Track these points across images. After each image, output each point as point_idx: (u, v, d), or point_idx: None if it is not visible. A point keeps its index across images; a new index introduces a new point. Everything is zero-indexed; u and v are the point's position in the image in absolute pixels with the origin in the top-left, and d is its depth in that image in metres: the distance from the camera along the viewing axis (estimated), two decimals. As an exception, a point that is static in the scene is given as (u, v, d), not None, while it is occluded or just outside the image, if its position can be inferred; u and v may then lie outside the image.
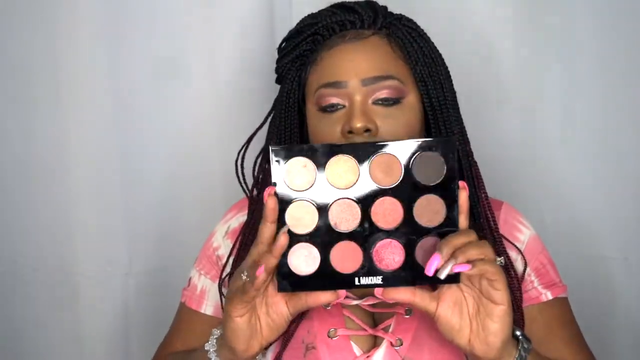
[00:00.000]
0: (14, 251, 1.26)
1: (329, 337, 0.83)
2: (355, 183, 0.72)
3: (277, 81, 0.96)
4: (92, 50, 1.19)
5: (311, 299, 0.73)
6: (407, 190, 0.72)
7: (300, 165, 0.72)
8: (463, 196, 0.71)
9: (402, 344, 0.81)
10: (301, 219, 0.72)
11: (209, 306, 0.95)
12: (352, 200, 0.72)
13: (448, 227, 0.71)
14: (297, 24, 0.91)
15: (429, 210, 0.72)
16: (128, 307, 1.27)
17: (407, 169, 0.72)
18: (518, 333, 0.73)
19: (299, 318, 0.85)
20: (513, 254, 0.90)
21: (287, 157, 0.72)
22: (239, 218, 0.98)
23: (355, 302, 0.84)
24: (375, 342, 0.83)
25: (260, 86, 1.18)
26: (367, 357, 0.81)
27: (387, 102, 0.84)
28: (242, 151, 0.97)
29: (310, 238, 0.72)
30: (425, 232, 0.72)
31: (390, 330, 0.83)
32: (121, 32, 1.20)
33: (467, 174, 0.89)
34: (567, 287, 0.92)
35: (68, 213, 1.24)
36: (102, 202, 1.24)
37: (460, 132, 0.89)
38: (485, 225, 0.87)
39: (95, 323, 1.27)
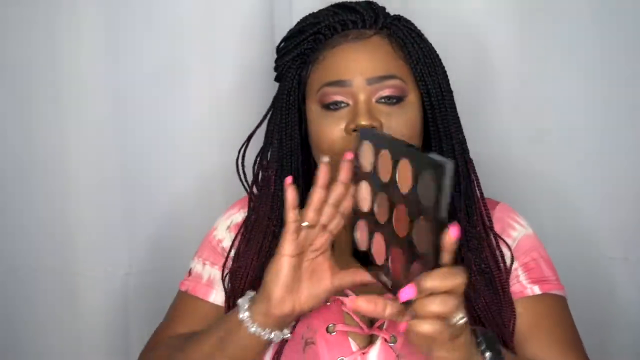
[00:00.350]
0: (13, 251, 1.26)
1: (327, 332, 0.83)
2: (389, 180, 0.71)
3: (277, 79, 0.96)
4: (92, 50, 1.19)
5: (358, 277, 0.76)
6: (413, 204, 0.66)
7: (370, 149, 0.75)
8: (447, 239, 0.62)
9: (396, 341, 0.82)
10: (364, 198, 0.76)
11: (218, 295, 0.95)
12: (387, 196, 0.72)
13: (431, 260, 0.63)
14: (298, 23, 0.92)
15: (423, 233, 0.65)
16: (128, 307, 1.27)
17: (415, 179, 0.65)
18: (487, 355, 0.71)
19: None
20: (504, 250, 0.90)
21: (363, 138, 0.75)
22: (242, 214, 0.99)
23: None
24: (371, 339, 0.84)
25: (260, 86, 1.18)
26: (363, 353, 0.82)
27: (390, 101, 0.85)
28: (242, 150, 0.97)
29: (367, 218, 0.75)
30: (416, 255, 0.66)
31: (385, 327, 0.83)
32: (121, 33, 1.20)
33: (462, 171, 0.90)
34: (565, 288, 0.91)
35: (68, 213, 1.24)
36: (102, 202, 1.24)
37: (457, 130, 0.90)
38: (479, 223, 0.88)
39: (95, 323, 1.27)
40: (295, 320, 0.82)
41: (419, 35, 0.90)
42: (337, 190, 0.76)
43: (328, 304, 0.85)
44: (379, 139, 0.74)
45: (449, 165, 0.60)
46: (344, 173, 0.76)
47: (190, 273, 0.98)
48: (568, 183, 1.20)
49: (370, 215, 0.75)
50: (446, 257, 0.63)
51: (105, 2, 1.18)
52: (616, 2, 1.14)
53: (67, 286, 1.25)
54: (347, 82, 0.85)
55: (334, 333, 0.83)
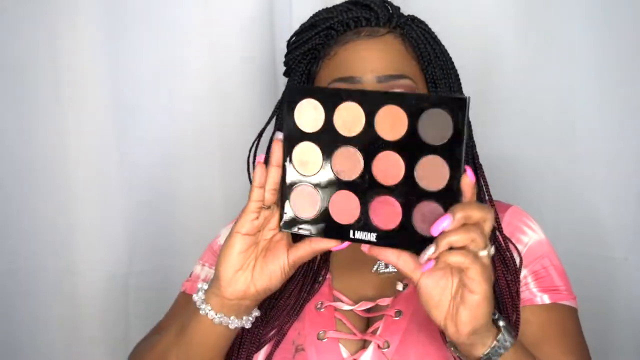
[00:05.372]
0: (14, 251, 1.26)
1: (318, 339, 0.82)
2: (360, 132, 0.69)
3: (285, 74, 0.95)
4: (93, 50, 1.20)
5: (316, 245, 0.73)
6: (411, 147, 0.67)
7: (311, 106, 0.71)
8: (466, 181, 0.65)
9: (389, 347, 0.80)
10: (307, 161, 0.72)
11: None
12: (356, 149, 0.70)
13: (449, 194, 0.65)
14: (311, 18, 0.90)
15: (432, 172, 0.66)
16: (128, 307, 1.27)
17: (413, 124, 0.67)
18: (502, 324, 0.70)
19: (292, 319, 0.85)
20: (515, 255, 0.88)
21: (300, 97, 0.71)
22: None
23: (348, 308, 0.84)
24: (364, 345, 0.82)
25: (260, 85, 1.18)
26: (354, 359, 0.81)
27: None
28: (254, 148, 0.95)
29: (313, 182, 0.72)
30: (424, 195, 0.67)
31: (378, 332, 0.82)
32: (121, 32, 1.20)
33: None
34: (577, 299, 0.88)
35: (68, 213, 1.24)
36: (102, 202, 1.24)
37: (469, 135, 0.88)
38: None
39: (95, 323, 1.27)
40: (256, 305, 0.78)
41: (433, 37, 0.89)
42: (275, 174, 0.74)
43: (322, 310, 0.85)
44: (320, 93, 0.72)
45: (466, 97, 0.64)
46: (278, 158, 0.73)
47: (190, 275, 0.99)
48: (568, 183, 1.20)
49: (320, 177, 0.72)
50: (468, 195, 0.65)
51: (105, 2, 1.18)
52: (621, 2, 1.13)
53: (67, 286, 1.26)
54: (357, 79, 0.83)
55: (325, 340, 0.82)
